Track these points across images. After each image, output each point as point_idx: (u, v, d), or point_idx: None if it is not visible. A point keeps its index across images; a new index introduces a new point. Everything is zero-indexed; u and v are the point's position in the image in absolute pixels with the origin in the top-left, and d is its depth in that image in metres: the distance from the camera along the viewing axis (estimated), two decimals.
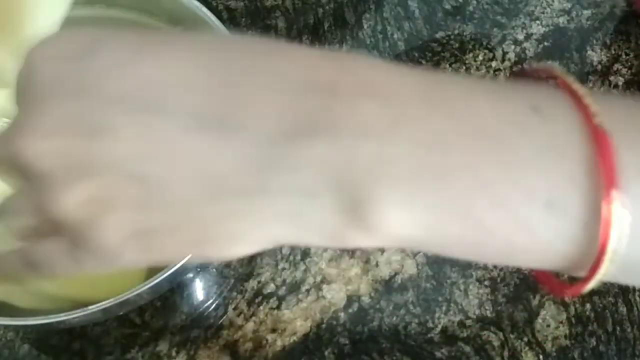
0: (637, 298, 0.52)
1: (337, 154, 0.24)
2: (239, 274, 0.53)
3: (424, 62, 0.61)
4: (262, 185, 0.25)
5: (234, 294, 0.52)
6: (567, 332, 0.51)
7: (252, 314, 0.51)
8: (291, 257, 0.53)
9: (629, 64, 0.61)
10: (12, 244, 0.32)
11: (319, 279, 0.53)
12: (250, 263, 0.53)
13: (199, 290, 0.53)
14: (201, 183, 0.25)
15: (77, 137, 0.25)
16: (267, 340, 0.51)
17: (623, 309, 0.52)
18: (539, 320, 0.52)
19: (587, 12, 0.63)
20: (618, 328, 0.51)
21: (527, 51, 0.61)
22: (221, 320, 0.51)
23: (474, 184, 0.25)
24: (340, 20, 0.64)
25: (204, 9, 0.50)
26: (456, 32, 0.63)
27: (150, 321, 0.51)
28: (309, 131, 0.24)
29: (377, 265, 0.53)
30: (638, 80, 0.61)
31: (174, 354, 0.50)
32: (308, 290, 0.52)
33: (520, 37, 0.62)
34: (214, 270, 0.53)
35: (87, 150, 0.25)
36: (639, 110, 0.28)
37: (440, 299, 0.52)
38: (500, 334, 0.51)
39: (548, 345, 0.51)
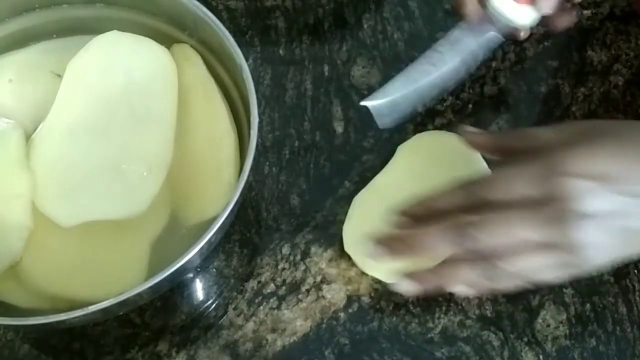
0: (637, 298, 0.52)
1: None
2: (239, 274, 0.53)
3: None
4: None
5: (234, 294, 0.52)
6: (567, 332, 0.51)
7: (252, 314, 0.51)
8: (291, 257, 0.53)
9: (629, 64, 0.61)
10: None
11: (319, 279, 0.53)
12: (250, 263, 0.53)
13: (199, 290, 0.53)
14: None
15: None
16: (267, 340, 0.51)
17: (623, 309, 0.52)
18: (539, 320, 0.52)
19: (587, 12, 0.63)
20: (618, 328, 0.51)
21: (527, 51, 0.61)
22: (221, 320, 0.51)
23: None
24: (340, 20, 0.63)
25: (204, 9, 0.50)
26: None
27: (150, 321, 0.51)
28: None
29: None
30: (638, 80, 0.61)
31: (174, 354, 0.50)
32: (308, 290, 0.52)
33: None
34: (214, 270, 0.53)
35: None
36: None
37: (440, 299, 0.52)
38: (500, 334, 0.51)
39: (548, 345, 0.51)
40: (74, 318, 0.41)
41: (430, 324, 0.51)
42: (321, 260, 0.53)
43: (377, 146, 0.57)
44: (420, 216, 0.48)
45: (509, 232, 0.45)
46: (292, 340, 0.51)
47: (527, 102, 0.59)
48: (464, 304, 0.52)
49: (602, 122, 0.48)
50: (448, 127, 0.57)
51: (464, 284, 0.47)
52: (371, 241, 0.48)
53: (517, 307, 0.52)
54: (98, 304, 0.41)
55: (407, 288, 0.47)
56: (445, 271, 0.47)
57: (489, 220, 0.46)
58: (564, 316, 0.52)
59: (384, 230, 0.49)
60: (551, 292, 0.52)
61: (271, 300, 0.52)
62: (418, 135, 0.56)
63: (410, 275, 0.47)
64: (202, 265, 0.53)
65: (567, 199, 0.44)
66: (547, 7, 0.50)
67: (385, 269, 0.51)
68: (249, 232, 0.54)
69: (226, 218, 0.44)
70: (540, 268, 0.46)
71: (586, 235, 0.45)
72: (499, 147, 0.50)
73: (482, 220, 0.46)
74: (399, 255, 0.48)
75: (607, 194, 0.44)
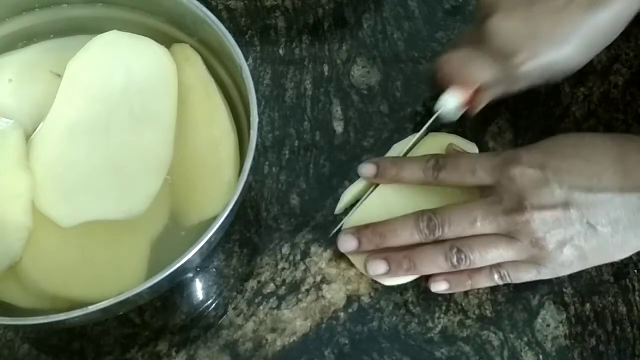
0: (637, 298, 0.52)
1: None
2: (239, 274, 0.53)
3: (424, 62, 0.61)
4: None
5: (234, 294, 0.52)
6: (567, 332, 0.51)
7: (252, 314, 0.51)
8: (291, 257, 0.53)
9: (629, 64, 0.61)
10: None
11: (319, 279, 0.53)
12: (250, 263, 0.53)
13: (199, 290, 0.53)
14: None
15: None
16: (267, 340, 0.51)
17: (623, 309, 0.52)
18: (539, 320, 0.52)
19: None
20: (618, 328, 0.51)
21: None
22: (221, 320, 0.51)
23: None
24: (340, 20, 0.64)
25: (204, 9, 0.50)
26: (456, 32, 0.63)
27: (150, 321, 0.51)
28: None
29: None
30: (638, 80, 0.61)
31: (174, 354, 0.50)
32: (308, 290, 0.52)
33: None
34: (214, 270, 0.53)
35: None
36: None
37: (440, 299, 0.52)
38: (500, 334, 0.51)
39: (548, 345, 0.51)
40: (74, 318, 0.41)
41: (430, 324, 0.51)
42: (321, 260, 0.53)
43: (377, 146, 0.57)
44: (386, 178, 0.51)
45: (468, 217, 0.47)
46: (292, 340, 0.51)
47: (527, 102, 0.59)
48: (464, 304, 0.52)
49: (569, 135, 0.52)
50: (448, 127, 0.57)
51: (435, 268, 0.49)
52: (342, 234, 0.51)
53: (517, 307, 0.52)
54: (98, 304, 0.41)
55: (379, 269, 0.49)
56: (415, 253, 0.49)
57: (449, 207, 0.49)
58: (564, 316, 0.52)
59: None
60: (551, 292, 0.52)
61: (271, 300, 0.52)
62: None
63: (381, 256, 0.49)
64: (202, 265, 0.53)
65: (521, 190, 0.46)
66: (480, 107, 0.55)
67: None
68: (249, 232, 0.54)
69: (226, 218, 0.44)
70: (512, 265, 0.48)
71: (542, 225, 0.46)
72: None
73: (443, 208, 0.49)
74: (368, 245, 0.50)
75: (559, 186, 0.47)
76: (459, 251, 0.47)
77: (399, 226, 0.49)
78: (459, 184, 0.49)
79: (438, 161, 0.50)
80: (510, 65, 0.51)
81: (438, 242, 0.48)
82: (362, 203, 0.53)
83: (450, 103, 0.54)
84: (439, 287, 0.50)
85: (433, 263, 0.48)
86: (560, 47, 0.50)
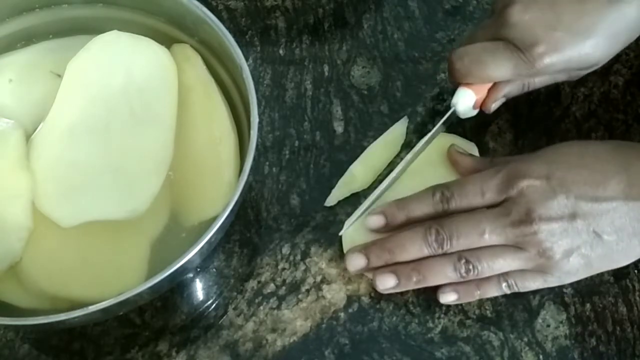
0: (637, 298, 0.52)
1: None
2: (239, 274, 0.53)
3: (424, 62, 0.61)
4: None
5: (234, 294, 0.52)
6: (567, 332, 0.51)
7: (252, 314, 0.51)
8: (291, 257, 0.53)
9: (629, 64, 0.61)
10: None
11: (319, 279, 0.53)
12: (250, 263, 0.53)
13: (199, 290, 0.53)
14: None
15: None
16: (267, 340, 0.51)
17: (623, 309, 0.52)
18: (539, 320, 0.52)
19: None
20: (618, 328, 0.51)
21: None
22: (221, 320, 0.51)
23: None
24: (340, 20, 0.63)
25: (204, 9, 0.50)
26: (456, 32, 0.63)
27: (150, 321, 0.51)
28: None
29: None
30: (638, 80, 0.61)
31: (174, 354, 0.50)
32: (308, 290, 0.52)
33: None
34: (214, 270, 0.53)
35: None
36: None
37: None
38: (500, 334, 0.51)
39: (548, 345, 0.51)
40: (74, 318, 0.41)
41: (430, 324, 0.51)
42: (321, 260, 0.53)
43: None
44: (396, 225, 0.51)
45: (475, 230, 0.47)
46: (292, 340, 0.51)
47: (527, 102, 0.59)
48: (463, 304, 0.52)
49: (571, 143, 0.51)
50: (448, 128, 0.57)
51: (443, 279, 0.49)
52: (349, 254, 0.50)
53: (517, 307, 0.52)
54: (98, 304, 0.41)
55: (387, 283, 0.49)
56: (423, 264, 0.49)
57: (457, 219, 0.48)
58: (564, 316, 0.52)
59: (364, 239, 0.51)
60: (551, 292, 0.52)
61: (271, 300, 0.52)
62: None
63: (389, 269, 0.49)
64: (202, 265, 0.53)
65: (529, 202, 0.46)
66: (494, 108, 0.55)
67: None
68: (249, 232, 0.54)
69: (226, 218, 0.44)
70: (519, 274, 0.48)
71: (549, 236, 0.46)
72: (477, 170, 0.52)
73: (451, 220, 0.48)
74: (377, 262, 0.49)
75: (565, 197, 0.47)
76: (467, 261, 0.47)
77: (407, 241, 0.49)
78: (470, 209, 0.49)
79: (443, 193, 0.49)
80: (529, 58, 0.50)
81: (445, 252, 0.48)
82: (364, 205, 0.53)
83: (463, 101, 0.53)
84: (448, 297, 0.50)
85: (441, 274, 0.48)
86: (582, 39, 0.49)
